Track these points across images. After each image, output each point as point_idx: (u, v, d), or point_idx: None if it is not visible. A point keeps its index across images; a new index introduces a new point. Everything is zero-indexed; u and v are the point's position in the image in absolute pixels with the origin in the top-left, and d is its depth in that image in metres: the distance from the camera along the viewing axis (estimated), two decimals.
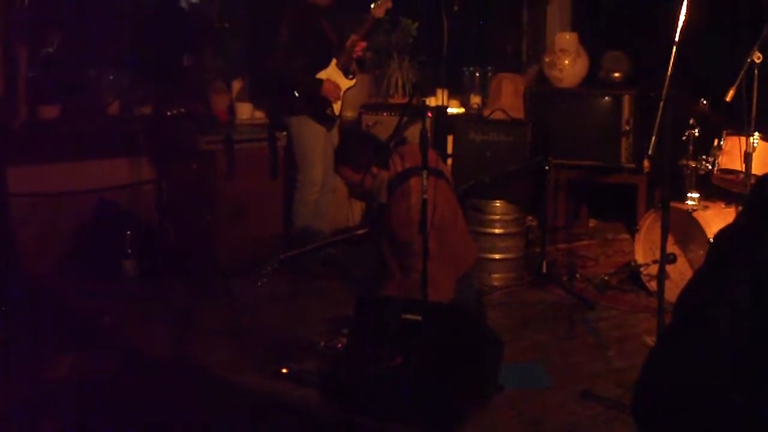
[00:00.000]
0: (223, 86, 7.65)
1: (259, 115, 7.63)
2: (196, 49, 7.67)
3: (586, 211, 8.82)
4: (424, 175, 4.75)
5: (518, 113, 7.87)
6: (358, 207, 7.73)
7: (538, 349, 5.59)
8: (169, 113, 7.19)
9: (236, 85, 7.72)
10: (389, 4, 6.89)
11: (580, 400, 4.77)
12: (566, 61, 8.09)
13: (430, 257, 4.77)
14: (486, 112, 7.75)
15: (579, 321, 6.10)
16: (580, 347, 5.65)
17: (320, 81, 6.82)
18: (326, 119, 6.93)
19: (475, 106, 8.54)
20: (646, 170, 7.63)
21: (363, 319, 4.72)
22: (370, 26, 6.97)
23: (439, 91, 8.19)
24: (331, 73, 6.90)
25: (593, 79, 8.22)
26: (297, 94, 6.78)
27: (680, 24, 4.29)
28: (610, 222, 8.73)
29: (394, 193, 5.32)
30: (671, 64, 4.27)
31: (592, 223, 8.84)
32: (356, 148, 5.50)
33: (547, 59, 8.23)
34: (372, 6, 6.87)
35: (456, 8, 5.90)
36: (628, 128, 7.77)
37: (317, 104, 6.87)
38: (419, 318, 4.52)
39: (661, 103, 4.24)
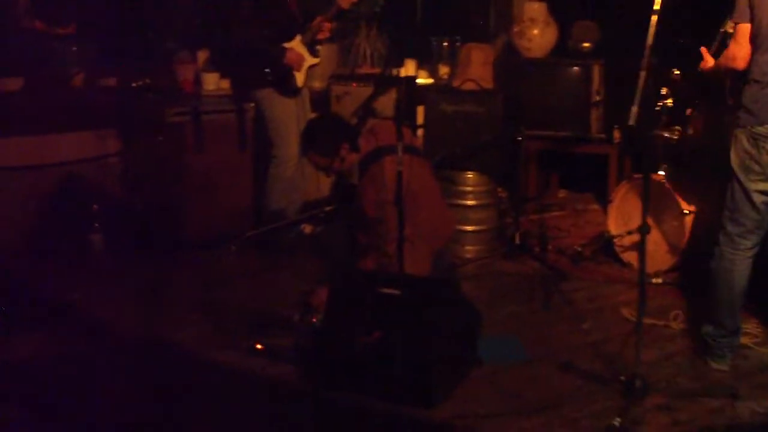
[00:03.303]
0: (188, 56, 7.49)
1: (225, 85, 7.46)
2: (161, 19, 7.52)
3: (556, 182, 8.79)
4: (399, 148, 4.66)
5: (487, 83, 7.78)
6: (327, 179, 7.63)
7: (514, 321, 5.55)
8: (134, 84, 7.06)
9: (202, 55, 7.56)
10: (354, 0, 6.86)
11: (559, 373, 4.73)
12: (535, 31, 8.01)
13: (405, 239, 4.71)
14: (456, 83, 7.65)
15: (554, 292, 6.06)
16: (557, 319, 5.61)
17: (284, 49, 6.72)
18: (289, 91, 6.83)
19: (444, 76, 8.43)
20: (616, 140, 7.65)
21: (339, 293, 4.63)
22: (335, 12, 6.89)
23: (407, 62, 8.11)
24: (295, 47, 6.79)
25: (563, 49, 8.14)
26: (268, 70, 6.66)
27: None
28: (580, 192, 8.68)
29: (366, 172, 5.21)
30: (651, 33, 4.17)
31: (561, 193, 8.80)
32: (323, 134, 5.37)
33: (516, 29, 8.14)
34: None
35: None
36: (598, 98, 7.72)
37: (280, 75, 6.77)
38: (397, 292, 4.44)
39: (642, 73, 4.15)
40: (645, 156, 4.49)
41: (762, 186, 4.51)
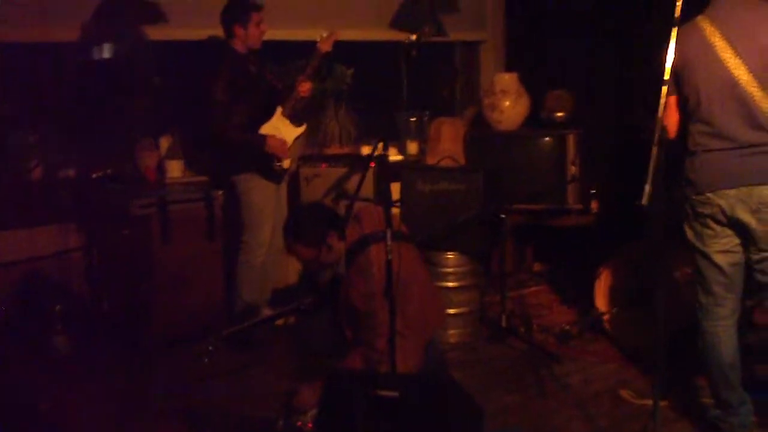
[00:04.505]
0: (152, 143, 7.17)
1: (191, 172, 7.18)
2: (123, 105, 7.20)
3: (531, 255, 8.56)
4: (388, 235, 4.38)
5: (459, 158, 7.57)
6: (295, 265, 7.36)
7: (513, 412, 5.28)
8: (95, 175, 6.72)
9: (164, 142, 7.25)
10: (336, 36, 6.56)
11: None
12: (507, 103, 7.79)
13: (396, 332, 4.41)
14: (431, 160, 7.43)
15: (548, 377, 5.81)
16: (557, 407, 5.35)
17: (264, 137, 6.45)
18: (275, 175, 6.56)
19: (413, 152, 8.20)
20: (594, 211, 7.43)
21: (333, 397, 4.31)
22: (317, 63, 6.60)
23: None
24: (276, 123, 6.53)
25: (536, 120, 7.93)
26: (248, 155, 6.40)
27: (669, 62, 4.00)
28: (556, 264, 8.44)
29: (353, 263, 4.89)
30: (661, 104, 3.96)
31: (536, 266, 8.57)
32: (308, 223, 5.00)
33: (486, 101, 7.91)
34: (318, 40, 6.54)
35: (414, 53, 5.56)
36: (574, 169, 7.51)
37: (264, 160, 6.49)
38: (396, 394, 4.12)
39: (654, 149, 3.92)
40: (654, 235, 4.27)
41: (719, 245, 4.57)
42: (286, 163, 6.59)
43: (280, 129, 6.55)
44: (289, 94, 6.58)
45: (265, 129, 6.50)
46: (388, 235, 4.37)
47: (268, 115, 6.53)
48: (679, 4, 4.04)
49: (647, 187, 3.82)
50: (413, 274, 4.89)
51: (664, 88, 3.99)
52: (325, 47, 6.55)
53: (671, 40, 4.00)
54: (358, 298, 4.80)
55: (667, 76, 4.00)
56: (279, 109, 6.55)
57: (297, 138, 6.69)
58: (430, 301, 5.14)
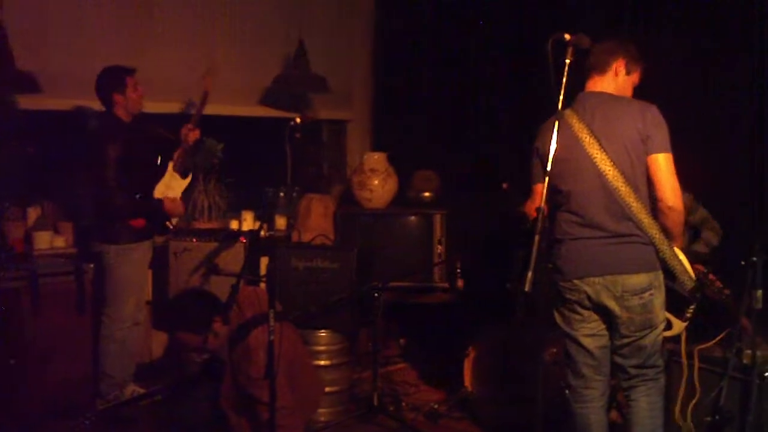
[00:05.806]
0: (18, 213, 7.00)
1: (59, 244, 7.01)
2: None
3: (395, 330, 8.61)
4: (271, 317, 4.39)
5: (330, 235, 7.63)
6: (159, 340, 7.28)
7: None
8: None
9: (33, 213, 7.08)
10: (216, 71, 6.65)
11: None
12: (376, 182, 7.91)
13: (286, 409, 4.42)
14: (306, 237, 7.46)
15: None
16: None
17: (160, 202, 6.48)
18: (165, 231, 6.67)
19: (281, 228, 8.22)
20: (459, 289, 7.57)
21: None
22: (203, 106, 6.67)
23: (245, 214, 7.88)
24: (168, 180, 6.53)
25: (403, 199, 8.07)
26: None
27: (552, 152, 4.14)
28: (421, 341, 8.50)
29: (235, 348, 4.87)
30: (545, 194, 4.09)
31: (401, 341, 8.62)
32: (192, 309, 4.99)
33: (355, 179, 8.02)
34: (203, 80, 6.61)
35: (298, 136, 5.60)
36: (440, 247, 7.66)
37: (157, 220, 6.52)
38: None
39: (536, 237, 4.03)
40: (540, 325, 4.38)
41: (587, 329, 4.71)
42: (174, 220, 6.63)
43: (172, 185, 6.55)
44: (179, 145, 6.59)
45: (159, 188, 6.51)
46: (271, 315, 4.39)
47: (160, 174, 6.55)
48: (561, 98, 4.19)
49: (529, 274, 3.91)
50: (296, 353, 4.94)
51: (546, 179, 4.12)
52: (209, 86, 6.65)
53: (554, 131, 4.14)
54: (243, 383, 4.78)
55: (549, 167, 4.12)
56: (170, 164, 6.56)
57: (185, 190, 6.72)
58: (311, 377, 5.18)
